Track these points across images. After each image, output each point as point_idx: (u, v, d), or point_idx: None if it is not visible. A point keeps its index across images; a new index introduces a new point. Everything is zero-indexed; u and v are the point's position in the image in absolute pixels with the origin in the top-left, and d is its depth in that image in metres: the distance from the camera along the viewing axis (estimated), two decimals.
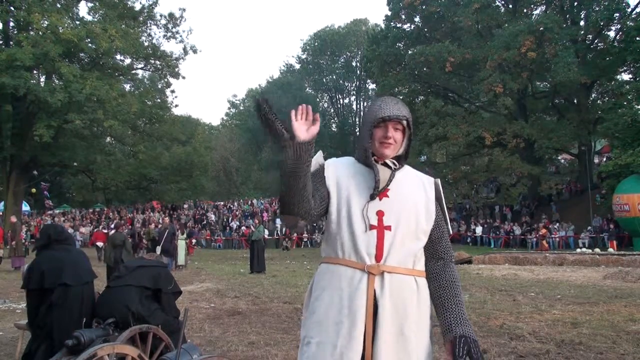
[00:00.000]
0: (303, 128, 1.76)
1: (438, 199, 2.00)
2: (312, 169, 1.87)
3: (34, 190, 27.33)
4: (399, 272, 1.84)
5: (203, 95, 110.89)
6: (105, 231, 22.91)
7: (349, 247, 1.85)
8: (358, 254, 1.83)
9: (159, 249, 13.82)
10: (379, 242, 1.83)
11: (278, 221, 32.39)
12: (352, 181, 1.92)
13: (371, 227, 1.84)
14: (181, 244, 15.93)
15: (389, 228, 1.85)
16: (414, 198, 1.93)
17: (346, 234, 1.86)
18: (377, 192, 1.86)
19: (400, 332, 1.79)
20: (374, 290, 1.80)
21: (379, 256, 1.82)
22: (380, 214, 1.86)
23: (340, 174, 1.94)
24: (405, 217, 1.87)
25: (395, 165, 1.94)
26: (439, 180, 2.04)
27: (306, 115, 1.80)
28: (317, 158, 1.98)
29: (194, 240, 24.80)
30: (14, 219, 17.53)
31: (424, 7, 29.68)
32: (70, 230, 28.49)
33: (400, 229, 1.85)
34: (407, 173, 2.00)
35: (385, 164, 1.93)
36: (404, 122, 1.91)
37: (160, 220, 28.12)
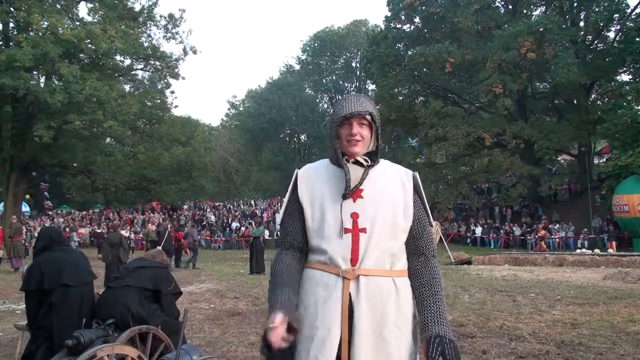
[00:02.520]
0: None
1: (417, 191, 1.95)
2: (287, 198, 1.96)
3: (28, 196, 27.31)
4: (376, 275, 1.81)
5: (203, 96, 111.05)
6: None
7: (324, 252, 1.84)
8: (333, 259, 1.81)
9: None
10: (354, 245, 1.80)
11: (278, 221, 32.39)
12: (325, 185, 1.90)
13: (345, 230, 1.82)
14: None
15: (364, 230, 1.82)
16: (391, 194, 1.89)
17: (320, 239, 1.85)
18: (349, 192, 1.83)
19: (379, 335, 1.77)
20: (349, 295, 1.78)
21: (354, 260, 1.80)
22: (354, 216, 1.83)
23: (313, 182, 1.93)
24: (381, 217, 1.84)
25: (368, 162, 1.89)
26: (417, 173, 2.00)
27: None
28: (292, 182, 1.99)
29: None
30: (14, 219, 17.53)
31: (423, 8, 29.68)
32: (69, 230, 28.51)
33: (376, 230, 1.82)
34: (385, 169, 1.96)
35: (357, 162, 1.89)
36: (368, 117, 1.87)
37: (162, 221, 28.16)
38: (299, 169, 2.02)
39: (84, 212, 39.15)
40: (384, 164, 1.98)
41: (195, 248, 17.94)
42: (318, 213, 1.87)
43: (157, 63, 27.98)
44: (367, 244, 1.81)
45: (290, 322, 1.73)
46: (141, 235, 26.12)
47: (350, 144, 1.87)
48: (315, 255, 1.88)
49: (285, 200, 1.99)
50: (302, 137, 55.02)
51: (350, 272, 1.79)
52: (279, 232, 1.96)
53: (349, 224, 1.82)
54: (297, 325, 1.75)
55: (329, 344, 1.75)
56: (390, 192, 1.89)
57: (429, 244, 1.95)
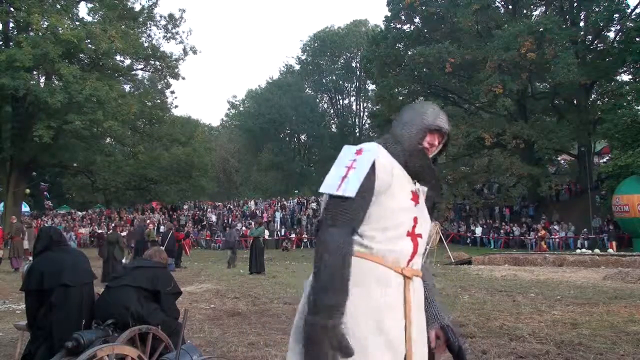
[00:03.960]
0: None
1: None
2: (361, 181, 1.77)
3: (27, 190, 27.28)
4: (418, 276, 1.94)
5: (203, 96, 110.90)
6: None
7: (390, 250, 1.84)
8: (397, 257, 1.85)
9: None
10: (413, 248, 1.89)
11: (278, 222, 32.41)
12: (399, 181, 1.89)
13: (407, 233, 1.88)
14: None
15: (420, 236, 1.92)
16: (426, 202, 2.02)
17: (389, 236, 1.85)
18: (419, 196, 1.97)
19: (423, 330, 1.93)
20: (408, 293, 1.88)
21: (409, 261, 1.89)
22: (415, 220, 1.90)
23: (390, 176, 1.85)
24: (427, 225, 1.97)
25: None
26: None
27: None
28: (369, 169, 1.80)
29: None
30: (14, 219, 17.52)
31: (423, 8, 29.68)
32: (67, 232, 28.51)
33: (424, 238, 1.95)
34: None
35: None
36: (446, 137, 2.02)
37: (162, 221, 28.15)
38: (376, 156, 1.84)
39: (83, 212, 39.12)
40: None
41: (234, 248, 18.18)
42: (391, 210, 1.86)
43: (157, 63, 27.98)
44: (420, 248, 1.93)
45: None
46: None
47: (428, 151, 1.97)
48: (373, 247, 1.82)
49: (359, 182, 1.77)
50: (302, 137, 55.02)
51: (409, 270, 1.88)
52: (342, 210, 1.73)
53: (411, 227, 1.89)
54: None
55: (400, 342, 1.81)
56: (426, 199, 2.02)
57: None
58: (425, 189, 2.00)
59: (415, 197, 1.92)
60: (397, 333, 1.80)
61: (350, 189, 1.76)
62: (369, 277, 1.80)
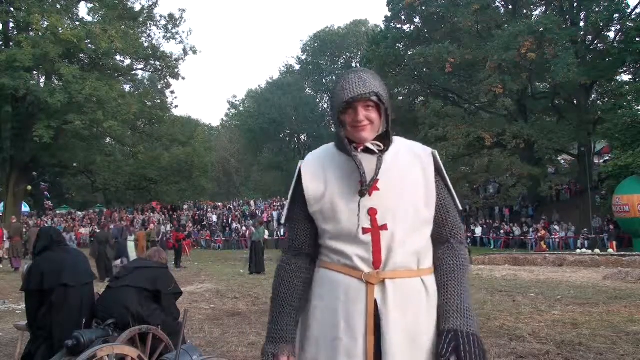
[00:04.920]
0: None
1: (438, 172, 1.70)
2: (290, 195, 1.75)
3: (29, 187, 27.34)
4: (402, 277, 1.60)
5: (203, 96, 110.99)
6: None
7: (341, 254, 1.63)
8: (352, 263, 1.60)
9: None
10: (375, 246, 1.59)
11: (282, 220, 32.33)
12: (335, 178, 1.67)
13: (364, 230, 1.60)
14: (130, 246, 16.24)
15: (384, 227, 1.59)
16: (411, 181, 1.65)
17: (336, 241, 1.64)
18: (367, 188, 1.59)
19: (414, 342, 1.57)
20: (375, 302, 1.58)
21: (377, 262, 1.59)
22: (372, 212, 1.60)
23: (320, 175, 1.70)
24: (402, 210, 1.61)
25: (380, 147, 1.64)
26: (436, 152, 1.74)
27: None
28: (296, 178, 1.74)
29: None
30: (14, 219, 17.53)
31: (423, 8, 29.68)
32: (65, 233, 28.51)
33: (398, 226, 1.60)
34: (398, 151, 1.70)
35: (367, 149, 1.64)
36: (374, 98, 1.60)
37: (163, 222, 28.18)
38: (302, 159, 1.78)
39: (83, 212, 39.13)
40: (397, 145, 1.72)
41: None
42: (329, 212, 1.65)
43: (157, 63, 28.02)
44: (390, 242, 1.59)
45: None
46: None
47: (357, 130, 1.62)
48: (331, 255, 1.67)
49: (289, 197, 1.77)
50: (302, 137, 55.03)
51: (374, 276, 1.58)
52: (284, 233, 1.75)
53: (367, 223, 1.60)
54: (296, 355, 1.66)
55: (356, 356, 1.56)
56: (409, 178, 1.65)
57: (455, 228, 1.71)
58: (398, 170, 1.65)
59: (372, 186, 1.60)
60: (351, 349, 1.57)
61: (284, 214, 1.79)
62: (323, 287, 1.67)
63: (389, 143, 1.67)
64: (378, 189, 1.62)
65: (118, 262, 12.81)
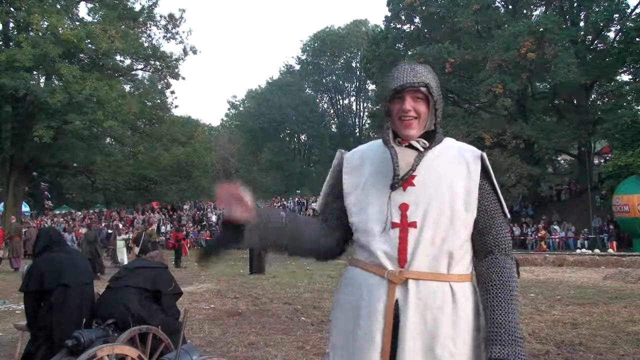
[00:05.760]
0: (237, 210, 1.54)
1: (486, 175, 1.63)
2: (327, 184, 1.76)
3: (26, 188, 27.38)
4: (428, 279, 1.53)
5: (203, 96, 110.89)
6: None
7: (367, 249, 1.60)
8: (376, 259, 1.56)
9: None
10: (401, 243, 1.54)
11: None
12: (372, 170, 1.66)
13: (392, 224, 1.55)
14: (120, 245, 16.45)
15: (413, 225, 1.54)
16: (450, 180, 1.58)
17: (363, 234, 1.61)
18: (398, 181, 1.56)
19: (429, 351, 1.50)
20: (396, 302, 1.52)
21: (402, 260, 1.53)
22: (403, 207, 1.56)
23: (360, 167, 1.69)
24: (436, 209, 1.55)
25: (425, 145, 1.61)
26: (484, 154, 1.65)
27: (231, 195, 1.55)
28: (335, 165, 1.75)
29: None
30: (13, 219, 17.53)
31: (423, 8, 29.68)
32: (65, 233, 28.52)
33: (429, 225, 1.54)
34: (445, 149, 1.65)
35: (411, 146, 1.61)
36: (424, 89, 1.57)
37: (163, 222, 28.18)
38: (344, 152, 1.78)
39: (84, 212, 39.12)
40: (445, 144, 1.67)
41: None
42: (362, 203, 1.63)
43: (157, 63, 28.00)
44: (417, 241, 1.54)
45: (250, 208, 1.56)
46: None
47: (404, 124, 1.58)
48: (359, 252, 1.64)
49: (326, 187, 1.76)
50: (302, 137, 55.02)
51: (397, 274, 1.53)
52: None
53: (397, 218, 1.56)
54: (254, 218, 1.57)
55: (370, 354, 1.52)
56: (449, 176, 1.59)
57: (500, 239, 1.61)
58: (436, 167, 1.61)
59: (407, 181, 1.58)
60: (365, 343, 1.54)
61: (319, 204, 1.81)
62: (350, 284, 1.66)
63: (434, 141, 1.63)
64: (414, 185, 1.58)
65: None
